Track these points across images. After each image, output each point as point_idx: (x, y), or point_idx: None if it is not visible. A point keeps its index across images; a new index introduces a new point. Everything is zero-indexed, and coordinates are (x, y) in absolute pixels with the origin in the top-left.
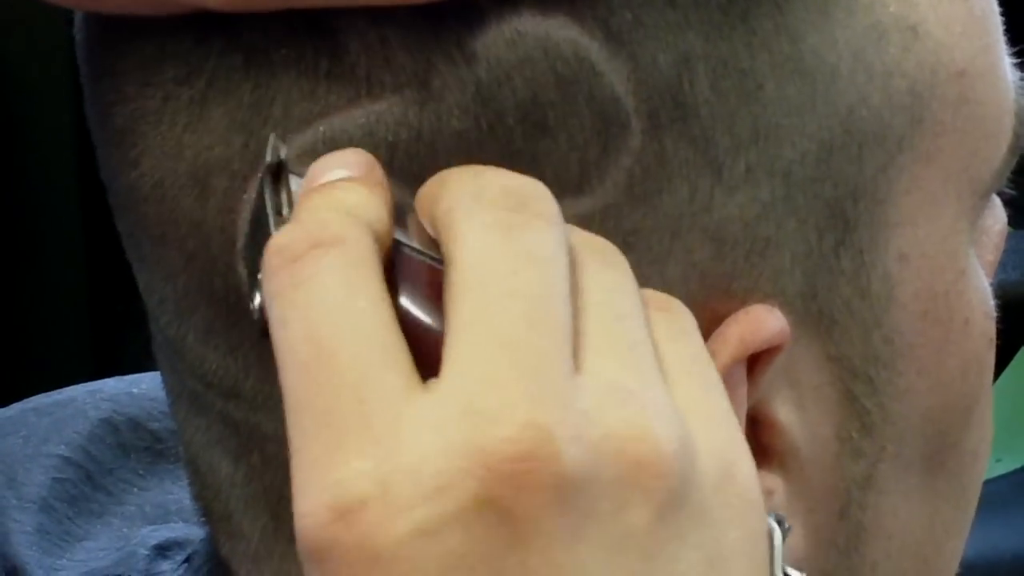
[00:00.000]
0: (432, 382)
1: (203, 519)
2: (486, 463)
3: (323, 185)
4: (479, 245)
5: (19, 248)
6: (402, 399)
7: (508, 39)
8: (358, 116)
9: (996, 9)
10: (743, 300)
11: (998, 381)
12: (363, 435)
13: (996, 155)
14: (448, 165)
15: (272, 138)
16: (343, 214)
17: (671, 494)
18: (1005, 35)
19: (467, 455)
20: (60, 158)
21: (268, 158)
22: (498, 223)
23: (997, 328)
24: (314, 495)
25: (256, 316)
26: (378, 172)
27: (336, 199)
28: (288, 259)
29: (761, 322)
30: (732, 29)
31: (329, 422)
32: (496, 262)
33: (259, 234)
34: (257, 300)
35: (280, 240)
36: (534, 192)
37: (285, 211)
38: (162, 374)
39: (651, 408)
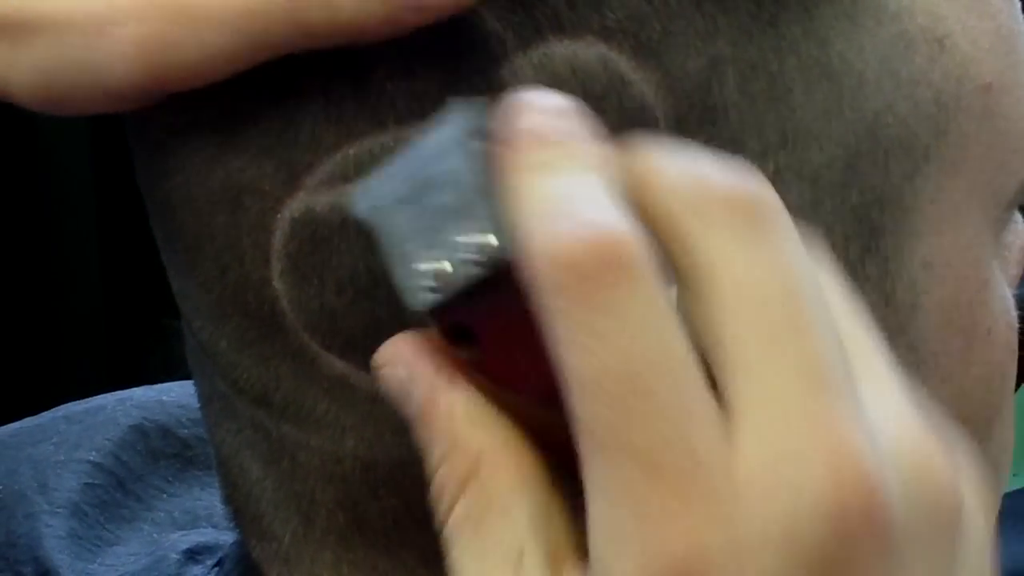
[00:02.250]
0: (734, 424)
1: (234, 522)
2: (824, 515)
3: (566, 154)
4: (738, 265)
5: (38, 262)
6: (725, 452)
7: (535, 64)
8: (387, 140)
9: None
10: None
11: (1017, 393)
12: (703, 496)
13: (1021, 169)
14: None
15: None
16: (625, 219)
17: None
18: None
19: (806, 512)
20: (78, 172)
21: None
22: (741, 239)
23: (1019, 340)
24: (651, 555)
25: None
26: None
27: (597, 188)
28: (580, 277)
29: None
30: (761, 34)
31: (658, 471)
32: (762, 285)
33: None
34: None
35: (562, 249)
36: (765, 199)
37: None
38: (194, 377)
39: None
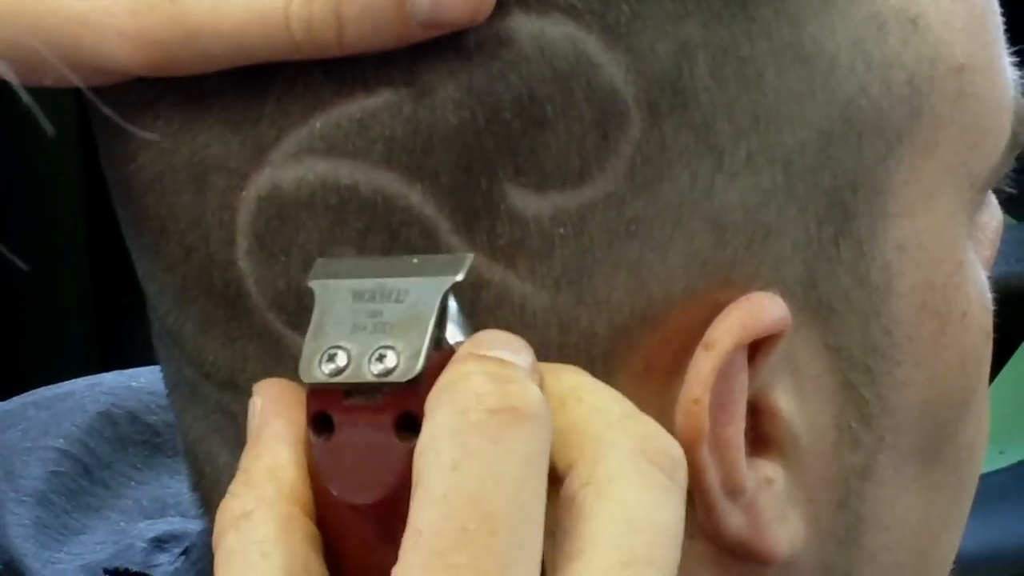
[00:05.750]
0: None
1: (201, 509)
2: None
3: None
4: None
5: (22, 240)
6: None
7: (501, 38)
8: (353, 111)
9: (996, 8)
10: (744, 288)
11: (1002, 373)
12: None
13: (994, 151)
14: (447, 159)
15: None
16: (540, 395)
17: None
18: (1005, 34)
19: None
20: (63, 149)
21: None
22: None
23: (1000, 320)
24: None
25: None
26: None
27: (529, 378)
28: (488, 409)
29: (762, 309)
30: (732, 17)
31: None
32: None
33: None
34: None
35: (486, 385)
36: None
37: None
38: (160, 363)
39: None
